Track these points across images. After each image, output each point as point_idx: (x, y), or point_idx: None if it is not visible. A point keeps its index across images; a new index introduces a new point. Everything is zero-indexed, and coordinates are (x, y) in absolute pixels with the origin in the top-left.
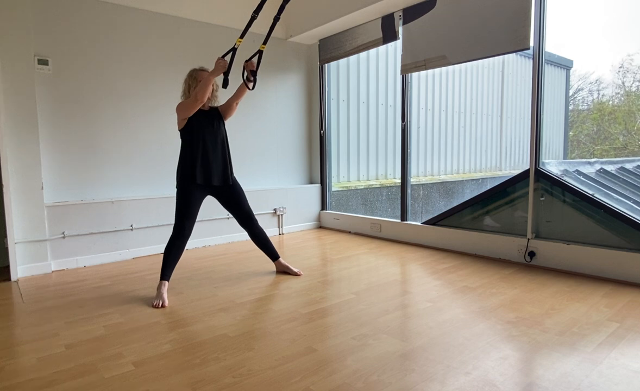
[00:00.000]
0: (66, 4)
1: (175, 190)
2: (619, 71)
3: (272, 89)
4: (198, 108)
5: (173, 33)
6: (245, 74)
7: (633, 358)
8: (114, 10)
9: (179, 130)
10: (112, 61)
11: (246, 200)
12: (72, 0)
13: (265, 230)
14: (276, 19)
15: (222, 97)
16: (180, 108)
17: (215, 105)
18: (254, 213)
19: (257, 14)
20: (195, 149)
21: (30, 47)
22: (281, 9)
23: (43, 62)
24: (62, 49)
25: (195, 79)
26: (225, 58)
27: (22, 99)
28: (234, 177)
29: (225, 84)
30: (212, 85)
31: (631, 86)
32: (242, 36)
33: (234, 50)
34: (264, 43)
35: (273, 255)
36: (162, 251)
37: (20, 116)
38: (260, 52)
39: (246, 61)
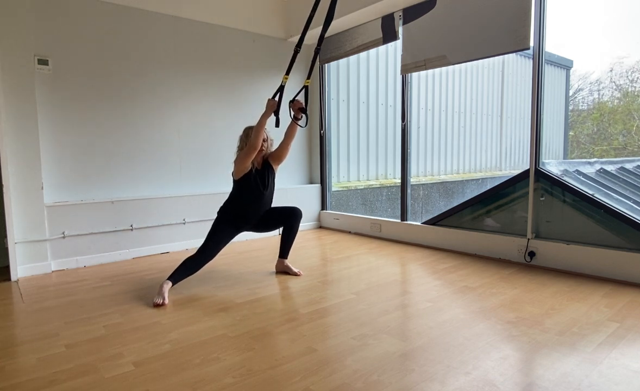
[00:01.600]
0: (66, 4)
1: (216, 216)
2: (610, 71)
3: (272, 89)
4: (253, 164)
5: (173, 33)
6: (293, 113)
7: (633, 358)
8: (114, 10)
9: (234, 179)
10: (112, 61)
11: (279, 208)
12: (72, 0)
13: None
14: (317, 50)
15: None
16: (238, 161)
17: (268, 152)
18: None
19: (300, 48)
20: (245, 205)
21: (30, 47)
22: (321, 39)
23: (43, 62)
24: (62, 49)
25: (249, 136)
26: (275, 98)
27: (22, 99)
28: None
29: (277, 124)
30: (266, 140)
31: (628, 88)
32: (287, 73)
33: (281, 88)
34: (308, 78)
35: (285, 252)
36: (162, 251)
37: (20, 116)
38: (305, 88)
39: (291, 101)
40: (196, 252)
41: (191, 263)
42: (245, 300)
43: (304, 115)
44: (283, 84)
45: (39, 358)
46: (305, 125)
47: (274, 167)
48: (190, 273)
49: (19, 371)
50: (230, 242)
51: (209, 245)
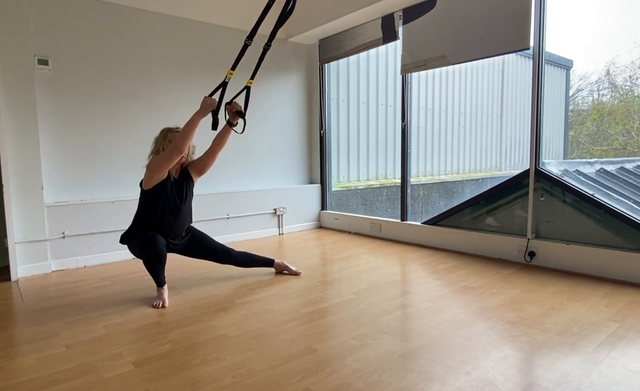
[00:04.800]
0: (66, 4)
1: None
2: (608, 70)
3: (272, 89)
4: (170, 171)
5: (173, 33)
6: (228, 117)
7: (633, 358)
8: (114, 10)
9: (144, 189)
10: (112, 61)
11: (211, 241)
12: (72, 0)
13: (265, 230)
14: (266, 47)
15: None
16: (153, 166)
17: (189, 160)
18: (254, 212)
19: (251, 41)
20: (158, 222)
21: (30, 47)
22: (272, 35)
23: (43, 62)
24: (62, 49)
25: (168, 141)
26: (214, 96)
27: (22, 99)
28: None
29: (214, 126)
30: (190, 145)
31: (628, 91)
32: (233, 68)
33: (224, 84)
34: (252, 78)
35: (267, 263)
36: None
37: (20, 116)
38: (247, 89)
39: (227, 103)
40: (143, 251)
41: (154, 256)
42: (245, 300)
43: (241, 120)
44: (226, 81)
45: (39, 358)
46: (242, 132)
47: (193, 178)
48: (163, 258)
49: (19, 371)
50: (229, 241)
51: (146, 238)
